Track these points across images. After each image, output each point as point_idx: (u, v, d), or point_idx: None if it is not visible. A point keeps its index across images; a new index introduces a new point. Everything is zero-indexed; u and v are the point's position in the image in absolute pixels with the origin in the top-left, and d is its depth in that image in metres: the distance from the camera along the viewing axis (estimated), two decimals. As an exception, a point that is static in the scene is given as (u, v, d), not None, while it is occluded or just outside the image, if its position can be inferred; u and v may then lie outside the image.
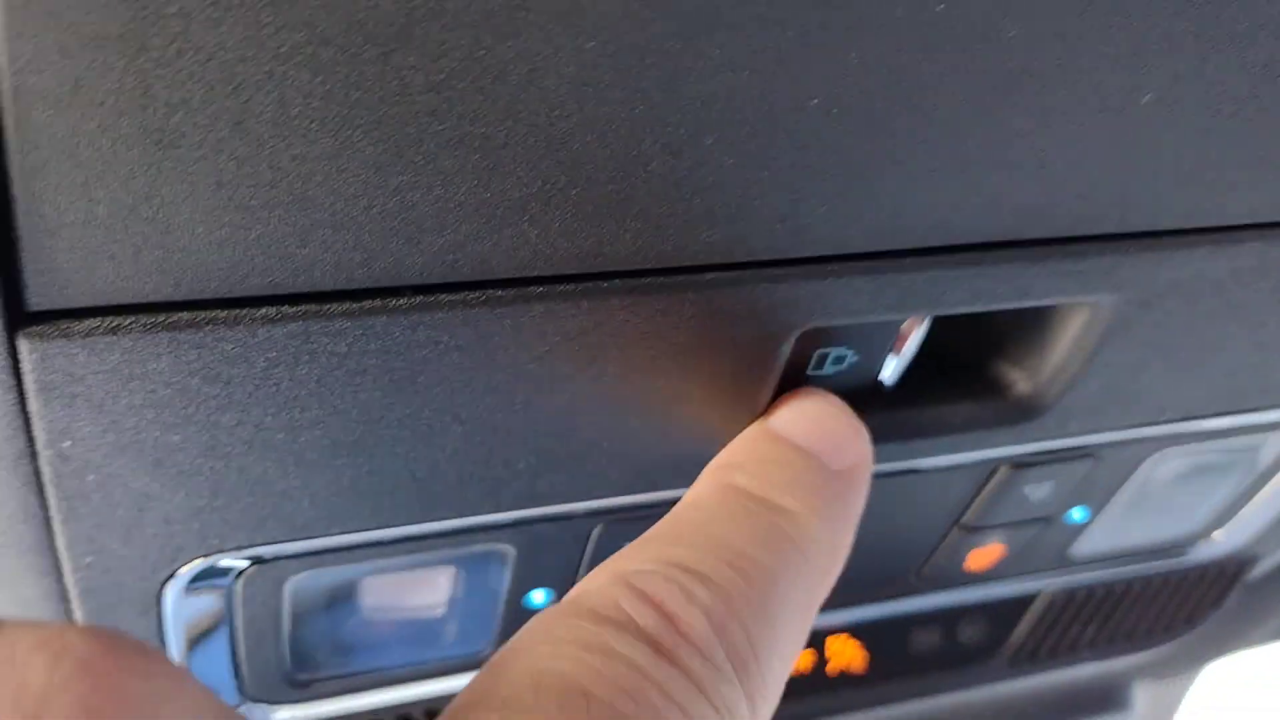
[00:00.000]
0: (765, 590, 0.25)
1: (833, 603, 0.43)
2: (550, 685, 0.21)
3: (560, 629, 0.23)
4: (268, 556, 0.32)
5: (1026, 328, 0.35)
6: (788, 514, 0.27)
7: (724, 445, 0.33)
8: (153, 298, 0.24)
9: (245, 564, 0.32)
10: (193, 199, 0.22)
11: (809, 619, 0.27)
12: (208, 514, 0.29)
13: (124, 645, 0.17)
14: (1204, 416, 0.39)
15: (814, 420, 0.30)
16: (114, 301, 0.24)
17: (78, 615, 0.31)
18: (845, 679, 0.45)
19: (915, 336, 0.33)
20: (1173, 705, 0.68)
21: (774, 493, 0.28)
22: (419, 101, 0.22)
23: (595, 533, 0.35)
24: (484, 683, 0.22)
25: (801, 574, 0.26)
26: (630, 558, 0.25)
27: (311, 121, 0.22)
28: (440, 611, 0.37)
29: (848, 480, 0.29)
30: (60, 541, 0.29)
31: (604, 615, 0.23)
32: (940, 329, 0.34)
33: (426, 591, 0.37)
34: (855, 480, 0.30)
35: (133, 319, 0.24)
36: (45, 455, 0.27)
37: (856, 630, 0.45)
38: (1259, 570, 0.52)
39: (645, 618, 0.23)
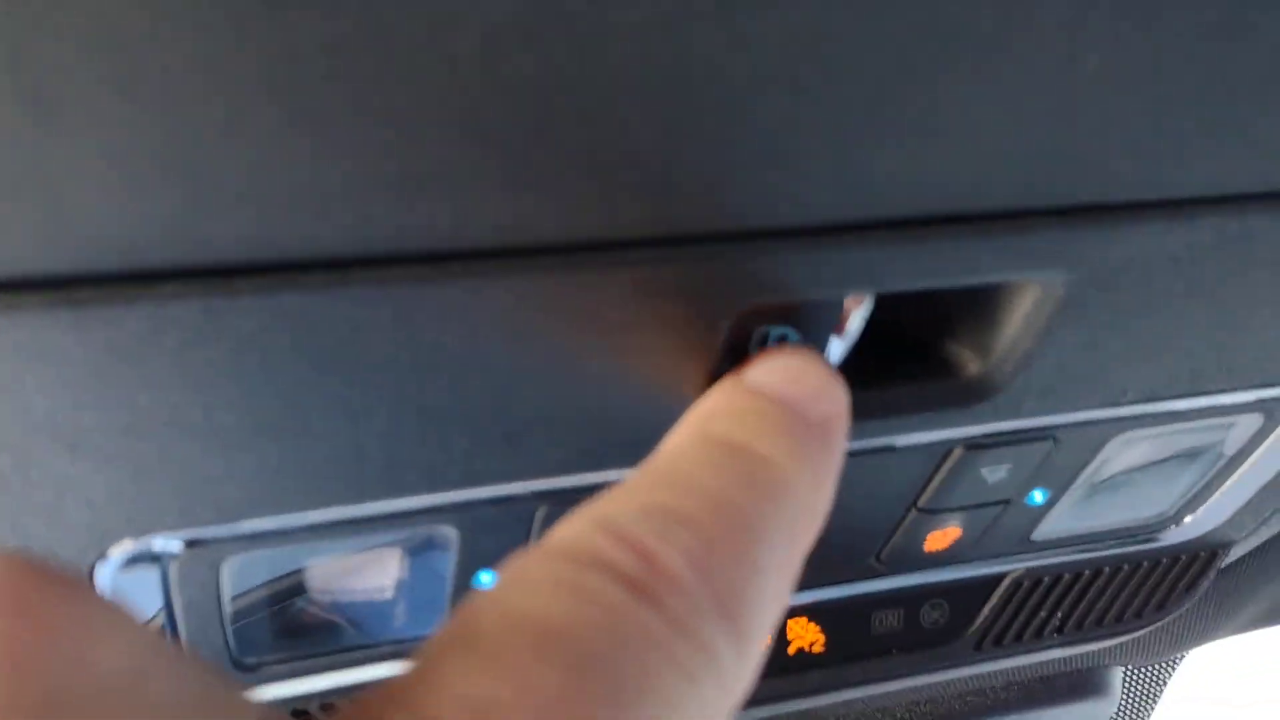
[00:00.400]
0: (748, 535, 0.24)
1: (794, 585, 0.43)
2: (524, 627, 0.20)
3: (534, 571, 0.22)
4: (200, 539, 0.32)
5: (976, 307, 0.34)
6: (768, 461, 0.26)
7: (665, 426, 0.32)
8: (51, 272, 0.24)
9: (177, 547, 0.31)
10: (80, 170, 0.22)
11: (791, 574, 0.26)
12: (132, 496, 0.29)
13: (50, 572, 0.16)
14: (1167, 398, 0.38)
15: (788, 372, 0.30)
16: (10, 276, 0.23)
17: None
18: (804, 661, 0.45)
19: (858, 316, 0.32)
20: (1156, 692, 0.67)
21: (753, 441, 0.27)
22: (313, 65, 0.22)
23: (539, 515, 0.34)
24: (454, 627, 0.21)
25: (784, 522, 0.25)
26: (607, 502, 0.24)
27: (199, 86, 0.21)
28: (387, 595, 0.37)
29: (825, 431, 0.28)
30: None
31: (580, 557, 0.22)
32: (887, 309, 0.34)
33: (371, 575, 0.36)
34: (833, 431, 0.29)
35: (32, 295, 0.24)
36: None
37: (816, 612, 0.44)
38: (1234, 555, 0.51)
39: (623, 558, 0.22)
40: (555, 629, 0.20)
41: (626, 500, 0.24)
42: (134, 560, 0.31)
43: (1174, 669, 0.67)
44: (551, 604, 0.21)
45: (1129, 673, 0.62)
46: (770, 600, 0.24)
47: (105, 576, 0.31)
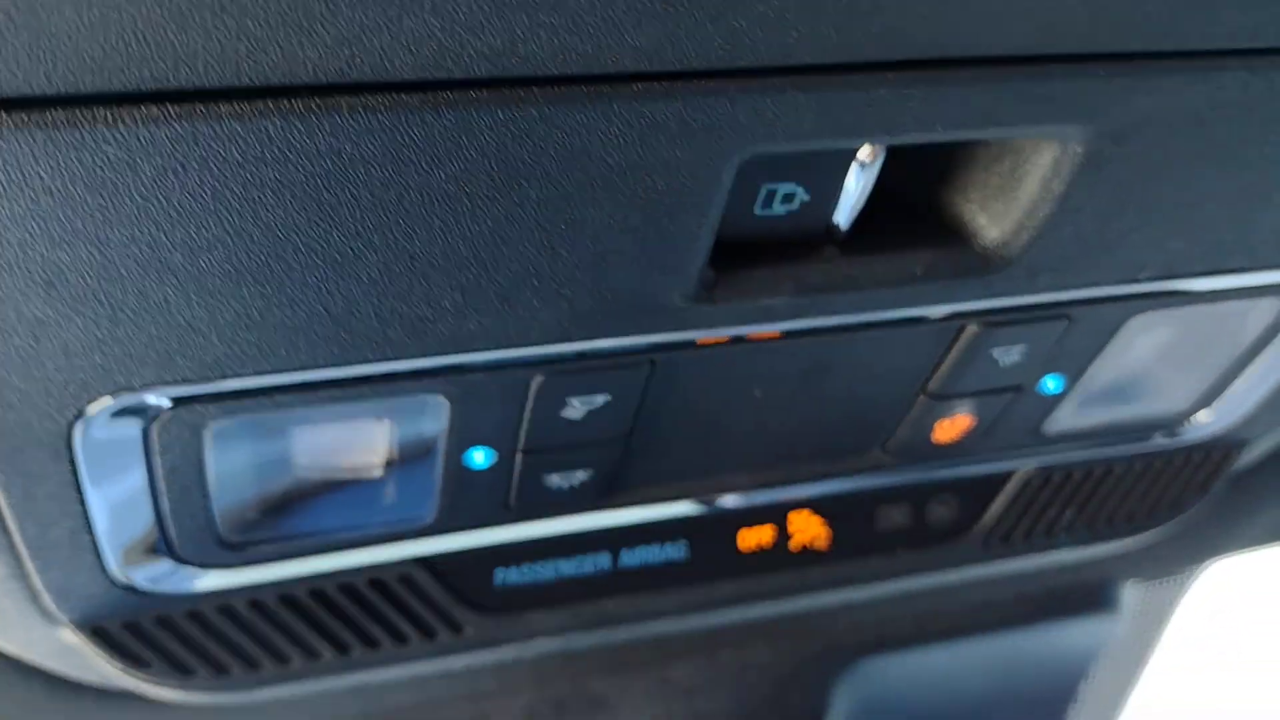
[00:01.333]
0: None
1: (796, 475, 0.42)
2: None
3: None
4: (182, 397, 0.30)
5: (992, 168, 0.32)
6: None
7: (667, 291, 0.31)
8: (24, 91, 0.22)
9: (159, 405, 0.30)
10: None
11: None
12: (109, 345, 0.28)
13: None
14: (1185, 275, 0.37)
15: None
16: None
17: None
18: (808, 556, 0.43)
19: (870, 172, 0.31)
20: (1165, 610, 0.66)
21: None
22: None
23: (534, 384, 0.33)
24: None
25: None
26: None
27: None
28: (377, 471, 0.36)
29: None
30: None
31: None
32: (900, 171, 0.32)
33: (361, 449, 0.35)
34: None
35: (3, 115, 0.23)
36: None
37: (819, 506, 0.43)
38: (1248, 458, 0.50)
39: None
40: None
41: None
42: (114, 419, 0.30)
43: (1184, 591, 0.66)
44: None
45: (1139, 590, 0.61)
46: None
47: (83, 437, 0.30)
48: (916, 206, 0.34)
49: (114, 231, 0.25)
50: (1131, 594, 0.60)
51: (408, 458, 0.35)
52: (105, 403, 0.29)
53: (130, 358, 0.28)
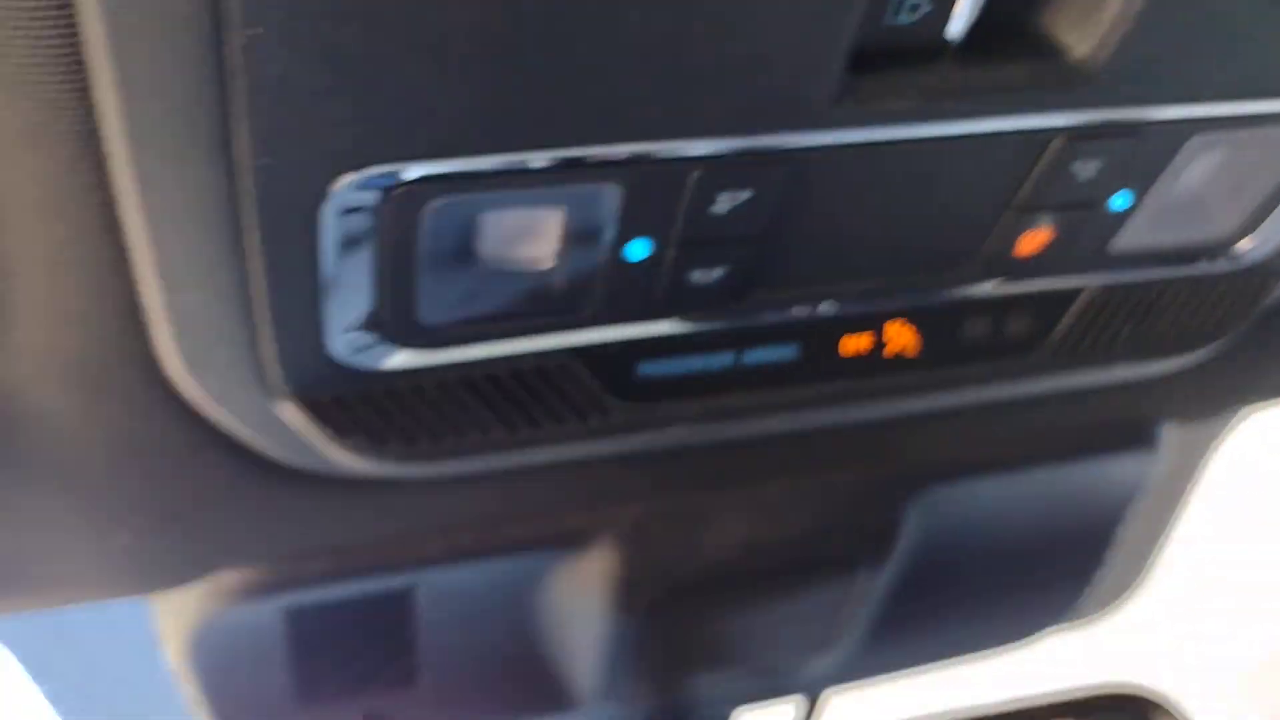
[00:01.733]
0: None
1: (895, 285, 0.48)
2: None
3: None
4: (418, 177, 0.36)
5: None
6: None
7: (810, 90, 0.37)
8: None
9: (395, 181, 0.36)
10: None
11: None
12: (367, 119, 0.34)
13: None
14: (1245, 97, 0.43)
15: None
16: None
17: (249, 223, 0.36)
18: (899, 363, 0.50)
19: None
20: (1202, 454, 0.73)
21: None
22: None
23: (693, 178, 0.39)
24: None
25: None
26: None
27: None
28: (549, 263, 0.42)
29: None
30: (243, 140, 0.33)
31: None
32: None
33: (539, 240, 0.41)
34: None
35: None
36: (237, 41, 0.31)
37: (913, 315, 0.49)
38: (1282, 292, 0.56)
39: None
40: None
41: None
42: (357, 191, 0.36)
43: (1220, 437, 0.72)
44: None
45: (1177, 430, 0.67)
46: None
47: (330, 207, 0.36)
48: (1014, 28, 0.40)
49: (385, 6, 0.31)
50: (1170, 435, 0.66)
51: (577, 249, 0.41)
52: (353, 175, 0.35)
53: (382, 133, 0.34)
